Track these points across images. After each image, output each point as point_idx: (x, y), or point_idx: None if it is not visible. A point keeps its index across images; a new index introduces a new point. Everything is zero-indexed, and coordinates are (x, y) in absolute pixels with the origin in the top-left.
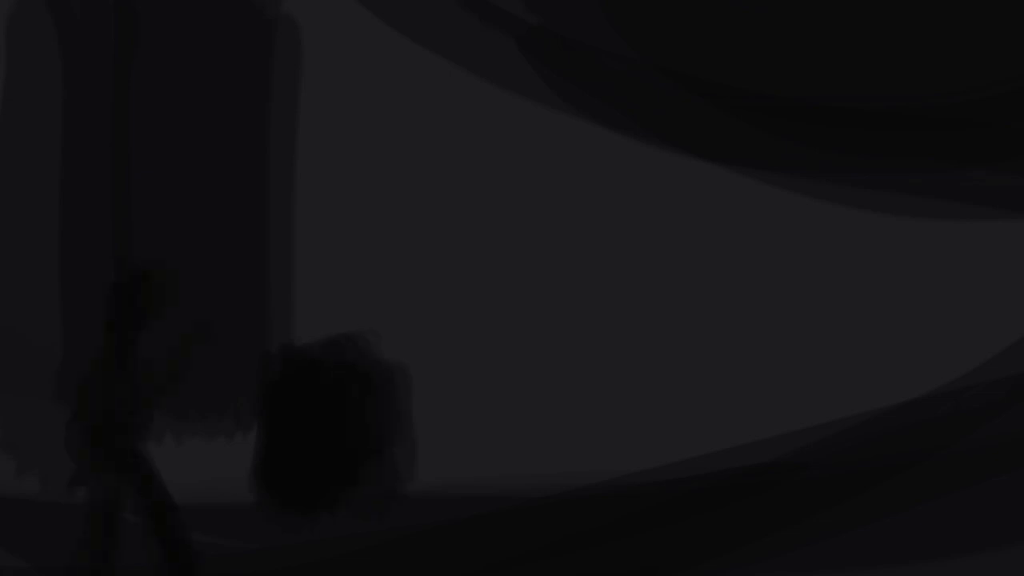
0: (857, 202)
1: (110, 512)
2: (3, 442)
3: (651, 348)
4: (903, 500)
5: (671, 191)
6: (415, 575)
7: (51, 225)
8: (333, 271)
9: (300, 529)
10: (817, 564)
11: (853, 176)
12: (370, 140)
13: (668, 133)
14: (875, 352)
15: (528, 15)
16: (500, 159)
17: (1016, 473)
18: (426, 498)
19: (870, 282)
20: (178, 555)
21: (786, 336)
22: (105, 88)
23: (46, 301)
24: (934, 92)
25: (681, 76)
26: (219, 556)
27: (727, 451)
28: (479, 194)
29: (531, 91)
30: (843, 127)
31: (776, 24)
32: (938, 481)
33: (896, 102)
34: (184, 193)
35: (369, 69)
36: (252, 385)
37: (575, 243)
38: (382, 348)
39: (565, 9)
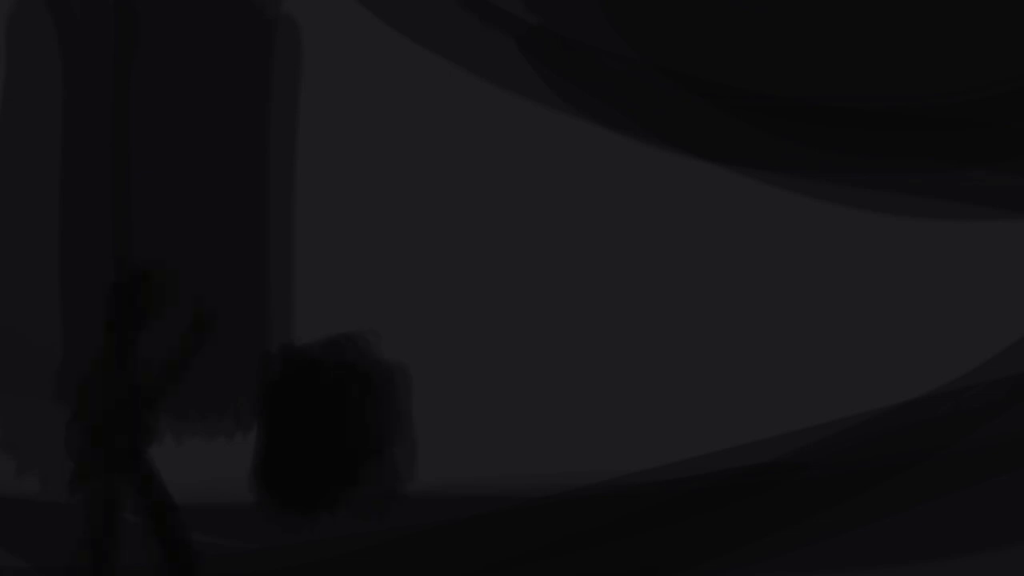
0: (857, 202)
1: (110, 512)
2: (3, 442)
3: (651, 348)
4: (903, 500)
5: (671, 191)
6: (415, 575)
7: (51, 225)
8: (333, 271)
9: (300, 529)
10: (817, 564)
11: (853, 176)
12: (370, 140)
13: (668, 133)
14: (875, 352)
15: (528, 15)
16: (500, 159)
17: (1016, 473)
18: (426, 498)
19: (870, 282)
20: (178, 555)
21: (786, 336)
22: (105, 88)
23: (46, 301)
24: (934, 92)
25: (681, 76)
26: (219, 556)
27: (727, 451)
28: (479, 194)
29: (531, 91)
30: (843, 127)
31: (776, 24)
32: (938, 481)
33: (896, 102)
34: (184, 193)
35: (369, 69)
36: (252, 385)
37: (575, 243)
38: (382, 348)
39: (565, 9)
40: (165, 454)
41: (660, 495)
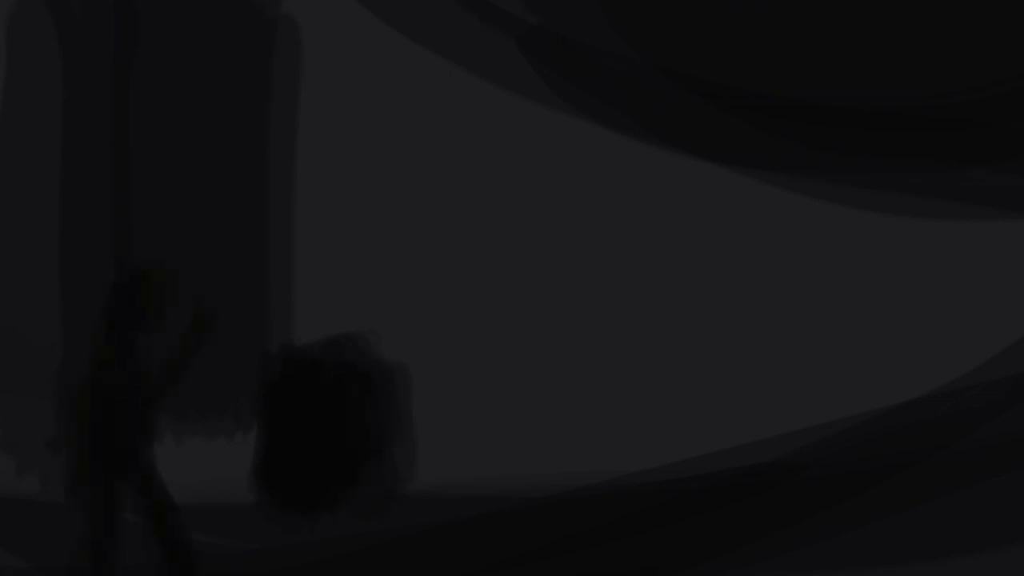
0: (857, 202)
1: (110, 512)
2: (3, 442)
3: (651, 348)
4: (903, 500)
5: (671, 191)
6: (416, 575)
7: (51, 225)
8: (333, 271)
9: (300, 529)
10: (817, 564)
11: (853, 176)
12: (370, 140)
13: (668, 133)
14: (875, 352)
15: (528, 15)
16: (500, 159)
17: (1016, 473)
18: (426, 498)
19: (870, 282)
20: (178, 555)
21: (786, 336)
22: (105, 88)
23: (46, 301)
24: (934, 92)
25: (681, 76)
26: (219, 556)
27: (727, 451)
28: (479, 194)
29: (531, 91)
30: (843, 127)
31: (776, 24)
32: (938, 481)
33: (896, 102)
34: (184, 193)
35: (369, 69)
36: (252, 385)
37: (575, 243)
38: (382, 348)
39: (565, 9)
40: (165, 454)
41: (660, 495)
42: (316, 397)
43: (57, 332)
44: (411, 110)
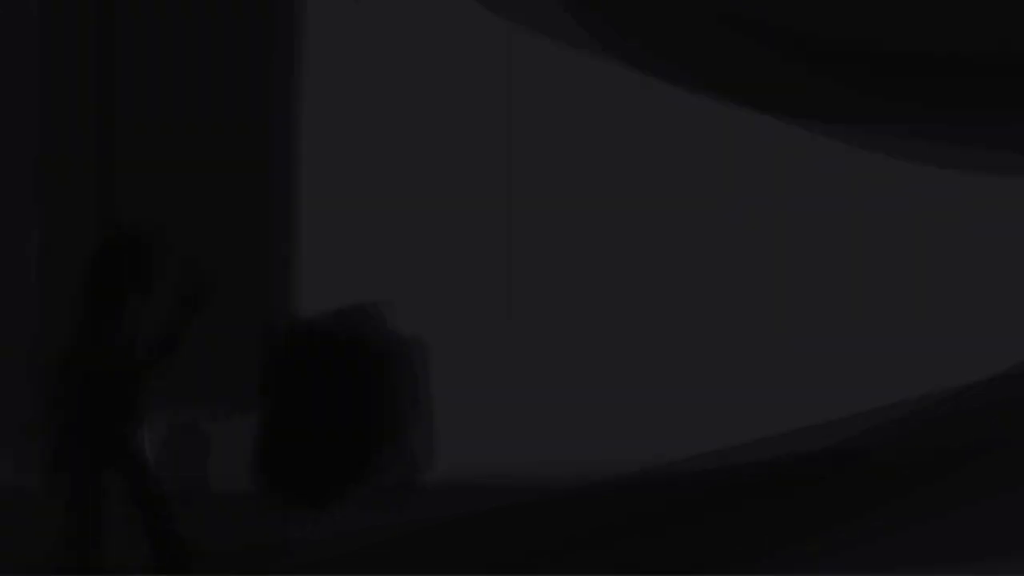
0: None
1: (93, 502)
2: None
3: (692, 325)
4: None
5: (727, 146)
6: (415, 571)
7: (27, 185)
8: (341, 236)
9: (305, 523)
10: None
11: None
12: (385, 100)
13: (726, 84)
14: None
15: None
16: (534, 117)
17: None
18: (443, 489)
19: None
20: (168, 546)
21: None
22: (90, 39)
23: (22, 267)
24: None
25: (745, 23)
26: (218, 554)
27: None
28: (507, 152)
29: (573, 39)
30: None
31: None
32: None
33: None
34: (175, 149)
35: (391, 19)
36: (252, 362)
37: (615, 215)
38: (396, 320)
39: None
40: (164, 451)
41: (704, 485)
42: (323, 376)
43: (35, 303)
44: (437, 65)
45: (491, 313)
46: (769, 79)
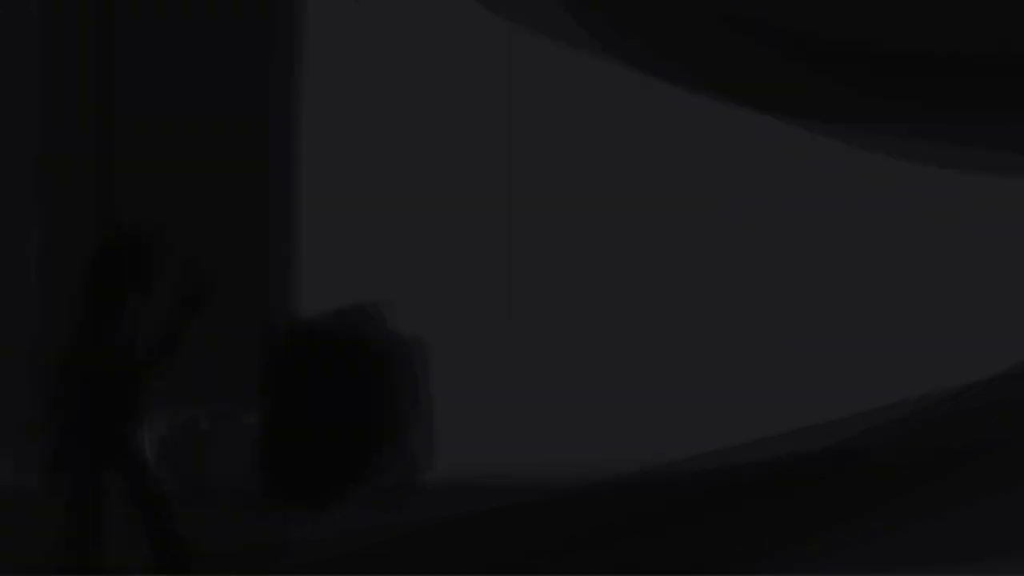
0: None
1: (93, 502)
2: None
3: (693, 323)
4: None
5: (727, 146)
6: (415, 571)
7: (27, 185)
8: (341, 236)
9: (306, 523)
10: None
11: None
12: (386, 98)
13: (726, 84)
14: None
15: None
16: (535, 116)
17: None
18: (443, 489)
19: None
20: (168, 546)
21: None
22: (90, 38)
23: (22, 267)
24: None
25: (744, 23)
26: (218, 554)
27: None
28: (508, 150)
29: (573, 39)
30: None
31: None
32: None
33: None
34: (175, 148)
35: (393, 17)
36: (253, 362)
37: (617, 213)
38: (397, 320)
39: None
40: (164, 450)
41: (705, 485)
42: (323, 376)
43: (35, 303)
44: (437, 65)
45: (491, 313)
46: (769, 79)
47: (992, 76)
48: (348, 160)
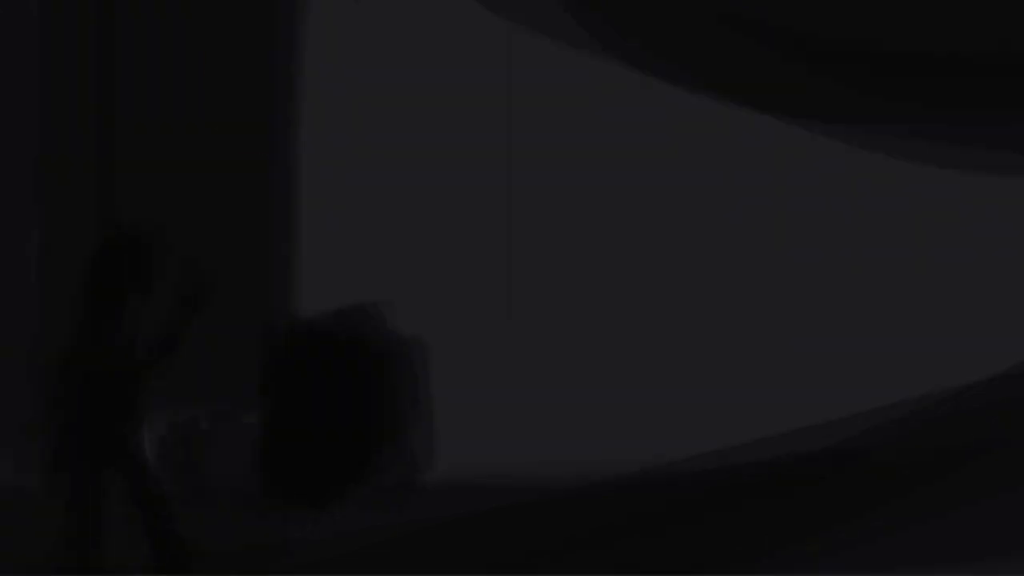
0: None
1: (96, 504)
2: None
3: (693, 323)
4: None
5: (729, 147)
6: (415, 571)
7: (27, 186)
8: (341, 236)
9: (306, 522)
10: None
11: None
12: (387, 96)
13: (726, 84)
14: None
15: None
16: (535, 115)
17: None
18: (443, 489)
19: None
20: (168, 546)
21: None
22: (90, 37)
23: (22, 268)
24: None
25: (744, 23)
26: (218, 554)
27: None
28: (509, 152)
29: (573, 38)
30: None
31: None
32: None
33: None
34: (175, 148)
35: (393, 14)
36: (253, 362)
37: (616, 212)
38: (396, 320)
39: None
40: (164, 450)
41: (704, 485)
42: (323, 376)
43: (35, 303)
44: (438, 64)
45: (491, 313)
46: (769, 79)
47: (992, 76)
48: (348, 160)
